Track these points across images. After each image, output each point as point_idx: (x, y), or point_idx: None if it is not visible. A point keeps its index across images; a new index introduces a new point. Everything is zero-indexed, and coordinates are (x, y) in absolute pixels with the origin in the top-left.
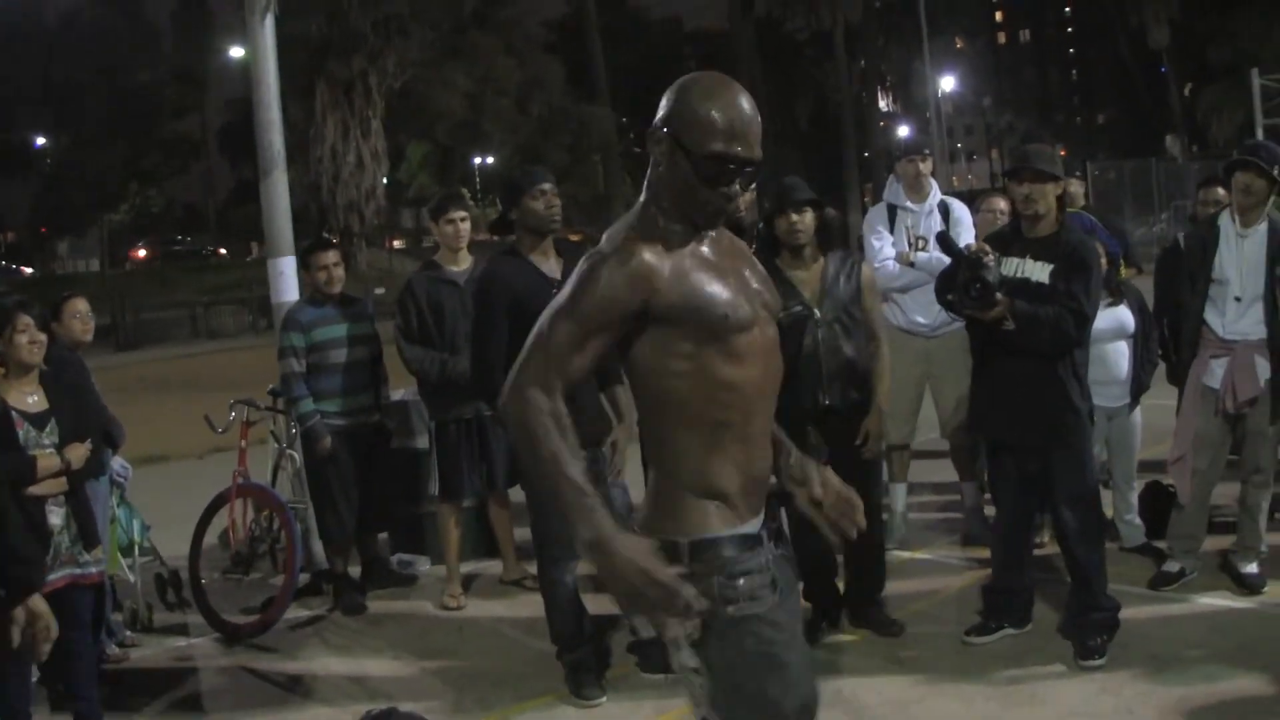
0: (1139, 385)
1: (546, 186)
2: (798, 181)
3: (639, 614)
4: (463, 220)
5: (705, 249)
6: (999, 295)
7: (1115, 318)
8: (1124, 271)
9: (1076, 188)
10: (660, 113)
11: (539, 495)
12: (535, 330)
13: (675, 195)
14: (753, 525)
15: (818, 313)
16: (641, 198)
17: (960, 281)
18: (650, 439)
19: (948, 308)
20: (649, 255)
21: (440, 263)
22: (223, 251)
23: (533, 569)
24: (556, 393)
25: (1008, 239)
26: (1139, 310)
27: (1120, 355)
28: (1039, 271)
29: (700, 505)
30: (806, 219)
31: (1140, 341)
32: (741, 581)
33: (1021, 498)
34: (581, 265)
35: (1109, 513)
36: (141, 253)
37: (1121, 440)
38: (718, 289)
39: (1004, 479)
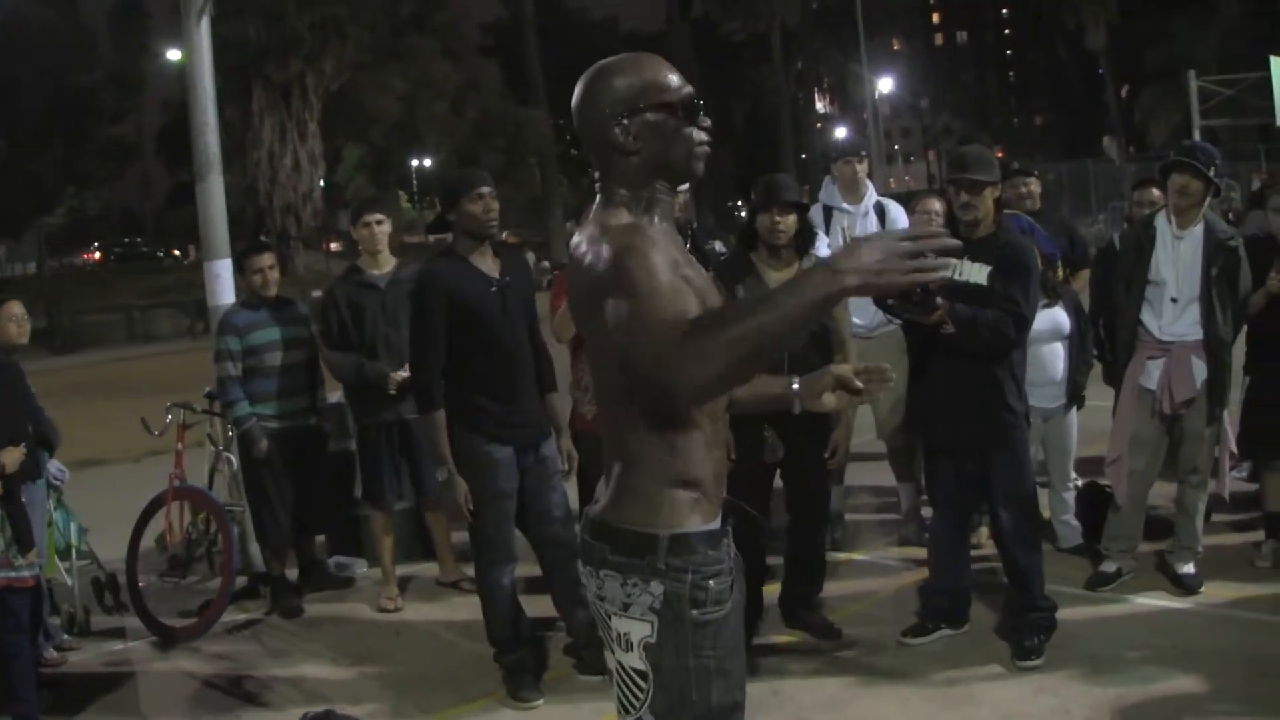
0: (1074, 387)
1: (485, 190)
2: (788, 180)
3: (891, 272)
4: (379, 223)
5: (674, 244)
6: (939, 299)
7: (1051, 319)
8: (1059, 273)
9: (1035, 186)
10: (608, 106)
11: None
12: (631, 348)
13: (665, 161)
14: (719, 520)
15: None
16: (603, 201)
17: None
18: (621, 431)
19: (887, 312)
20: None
21: (362, 266)
22: (176, 253)
23: (470, 571)
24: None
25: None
26: (1074, 312)
27: (1055, 356)
28: (977, 273)
29: (676, 498)
30: (790, 220)
31: (1075, 343)
32: (712, 584)
33: (958, 499)
34: (615, 262)
35: (1046, 514)
36: (97, 254)
37: (1057, 441)
38: (700, 281)
39: (941, 481)
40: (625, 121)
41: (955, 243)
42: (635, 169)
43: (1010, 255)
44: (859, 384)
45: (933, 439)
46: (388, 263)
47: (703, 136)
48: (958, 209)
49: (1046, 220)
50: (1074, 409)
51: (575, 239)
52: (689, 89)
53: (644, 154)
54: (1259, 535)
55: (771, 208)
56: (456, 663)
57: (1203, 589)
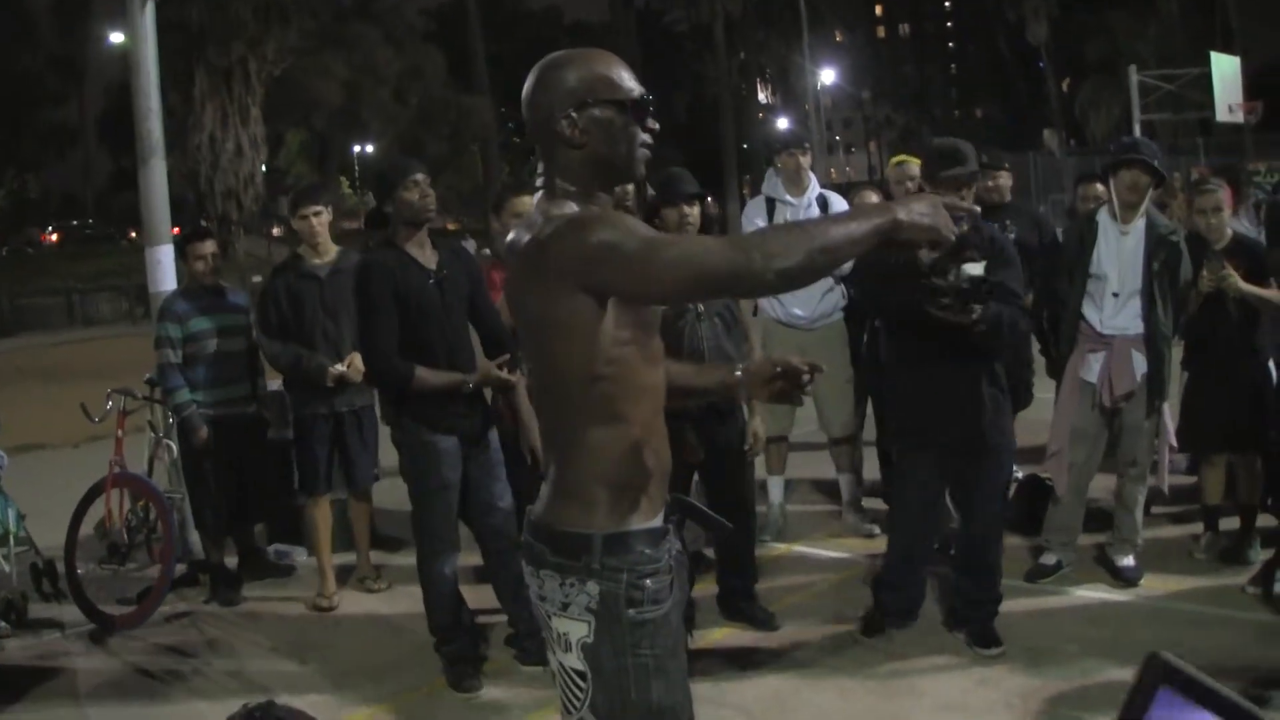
0: None
1: (419, 177)
2: (686, 174)
3: (940, 225)
4: (316, 215)
5: None
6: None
7: None
8: None
9: (1006, 180)
10: (558, 97)
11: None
12: (656, 282)
13: (609, 158)
14: (660, 518)
15: (700, 307)
16: (546, 195)
17: (949, 286)
18: (556, 430)
19: (938, 311)
20: None
21: (302, 255)
22: (134, 235)
23: (381, 570)
24: (737, 244)
25: None
26: None
27: None
28: (975, 268)
29: (613, 497)
30: (695, 212)
31: None
32: (649, 582)
33: (933, 497)
34: (595, 236)
35: None
36: (53, 236)
37: None
38: None
39: (917, 480)
40: (573, 114)
41: (976, 208)
42: (578, 163)
43: (998, 250)
44: (802, 367)
45: (934, 440)
46: (329, 252)
47: (647, 139)
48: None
49: (1018, 212)
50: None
51: (513, 234)
52: (640, 90)
53: (588, 149)
54: (1198, 528)
55: (679, 202)
56: (397, 652)
57: (1142, 581)
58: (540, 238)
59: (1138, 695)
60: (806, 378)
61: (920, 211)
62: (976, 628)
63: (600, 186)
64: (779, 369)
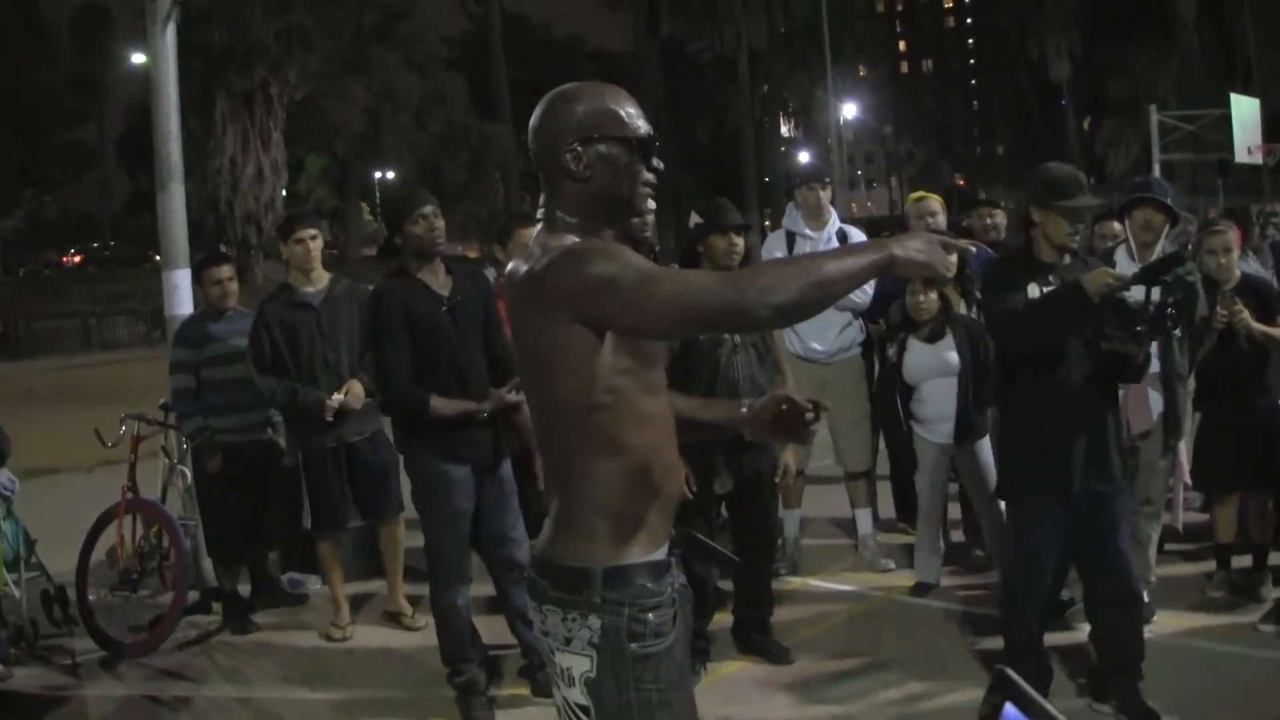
0: (967, 424)
1: (427, 210)
2: (729, 204)
3: (935, 263)
4: (313, 239)
5: None
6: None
7: (938, 356)
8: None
9: (1001, 218)
10: (565, 130)
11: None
12: (651, 316)
13: (612, 194)
14: (663, 551)
15: (736, 338)
16: (546, 226)
17: (1144, 314)
18: (558, 464)
19: (1128, 338)
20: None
21: (293, 285)
22: (159, 258)
23: (412, 608)
24: (733, 280)
25: (1030, 267)
26: (971, 346)
27: (947, 391)
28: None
29: (615, 530)
30: (742, 242)
31: (968, 381)
32: (651, 616)
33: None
34: (591, 266)
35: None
36: (76, 258)
37: (970, 474)
38: None
39: (1042, 531)
40: (579, 148)
41: (971, 249)
42: (580, 196)
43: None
44: (807, 405)
45: (1066, 485)
46: (321, 279)
47: (650, 178)
48: (1065, 237)
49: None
50: (985, 438)
51: (513, 264)
52: (647, 128)
53: (592, 184)
54: (1210, 566)
55: (728, 231)
56: (409, 683)
57: (1155, 619)
58: (536, 269)
59: (987, 708)
60: (810, 415)
61: (916, 248)
62: (1131, 701)
63: (601, 221)
64: (784, 406)
